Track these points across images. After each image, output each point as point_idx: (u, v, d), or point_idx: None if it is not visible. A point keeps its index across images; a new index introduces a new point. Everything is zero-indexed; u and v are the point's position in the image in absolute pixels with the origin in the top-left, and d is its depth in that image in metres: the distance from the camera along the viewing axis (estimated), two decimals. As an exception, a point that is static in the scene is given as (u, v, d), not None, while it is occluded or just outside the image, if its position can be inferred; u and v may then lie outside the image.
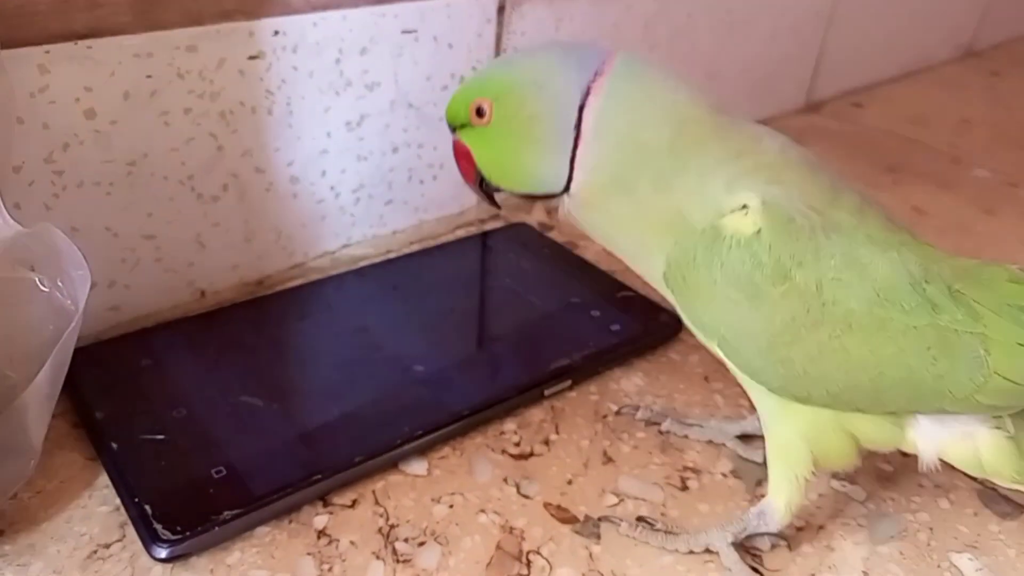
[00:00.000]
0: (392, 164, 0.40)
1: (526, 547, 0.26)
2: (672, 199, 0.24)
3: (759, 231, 0.23)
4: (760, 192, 0.23)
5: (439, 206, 0.44)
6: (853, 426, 0.25)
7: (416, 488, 0.28)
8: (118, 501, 0.26)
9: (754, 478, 0.30)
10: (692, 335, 0.36)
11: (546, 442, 0.31)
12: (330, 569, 0.25)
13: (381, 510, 0.27)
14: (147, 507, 0.25)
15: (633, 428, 0.32)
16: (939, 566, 0.27)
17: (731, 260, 0.23)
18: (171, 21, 0.31)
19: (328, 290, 0.37)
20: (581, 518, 0.27)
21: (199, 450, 0.27)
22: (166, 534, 0.24)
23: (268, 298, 0.36)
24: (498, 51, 0.42)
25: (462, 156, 0.28)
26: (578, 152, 0.25)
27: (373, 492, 0.28)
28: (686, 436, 0.31)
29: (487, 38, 0.41)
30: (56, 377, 0.24)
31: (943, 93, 0.76)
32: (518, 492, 0.28)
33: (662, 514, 0.28)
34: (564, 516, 0.27)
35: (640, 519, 0.27)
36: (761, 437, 0.27)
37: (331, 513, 0.27)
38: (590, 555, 0.26)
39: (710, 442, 0.31)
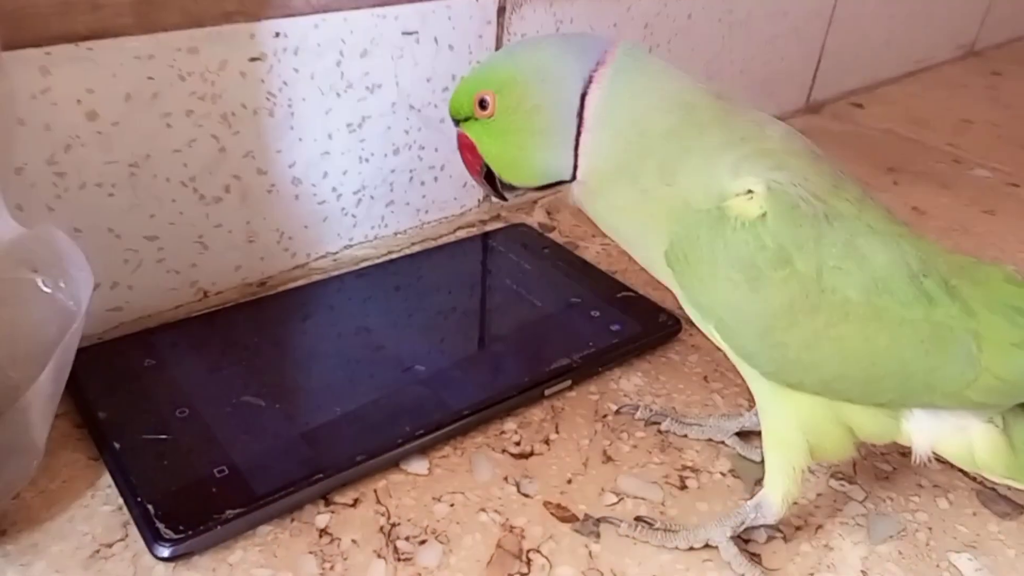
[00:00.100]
0: (393, 165, 0.41)
1: (526, 545, 0.26)
2: (676, 186, 0.24)
3: (764, 215, 0.23)
4: (765, 177, 0.23)
5: (440, 207, 0.44)
6: (848, 417, 0.25)
7: (417, 487, 0.28)
8: (121, 500, 0.26)
9: (753, 477, 0.30)
10: (691, 336, 0.37)
11: (546, 441, 0.31)
12: (332, 568, 0.25)
13: (382, 509, 0.27)
14: (150, 506, 0.25)
15: (633, 428, 0.32)
16: (938, 566, 0.27)
17: (734, 241, 0.23)
18: (172, 23, 0.31)
19: (330, 291, 0.37)
20: (581, 517, 0.28)
21: (201, 450, 0.27)
22: (168, 533, 0.24)
23: (270, 299, 0.36)
24: (498, 52, 0.42)
25: (466, 149, 0.28)
26: (581, 140, 0.25)
27: (374, 491, 0.28)
28: (685, 435, 0.31)
29: (487, 40, 0.41)
30: (59, 377, 0.24)
31: (944, 93, 0.76)
32: (518, 491, 0.28)
33: (661, 513, 0.28)
34: (564, 515, 0.28)
35: (639, 519, 0.27)
36: (760, 434, 0.27)
37: (333, 512, 0.27)
38: (590, 553, 0.26)
39: (709, 441, 0.31)
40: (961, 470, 0.31)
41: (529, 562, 0.26)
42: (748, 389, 0.27)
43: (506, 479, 0.29)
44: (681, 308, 0.27)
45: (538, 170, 0.27)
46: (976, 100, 0.75)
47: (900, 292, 0.23)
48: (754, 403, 0.28)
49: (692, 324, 0.36)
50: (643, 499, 0.29)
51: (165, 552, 0.24)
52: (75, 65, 0.29)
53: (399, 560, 0.25)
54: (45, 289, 0.26)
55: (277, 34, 0.34)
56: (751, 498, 0.27)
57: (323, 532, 0.26)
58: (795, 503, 0.28)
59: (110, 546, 0.25)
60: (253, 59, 0.33)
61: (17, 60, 0.27)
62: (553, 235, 0.45)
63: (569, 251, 0.42)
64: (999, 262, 0.25)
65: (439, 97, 0.41)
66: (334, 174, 0.38)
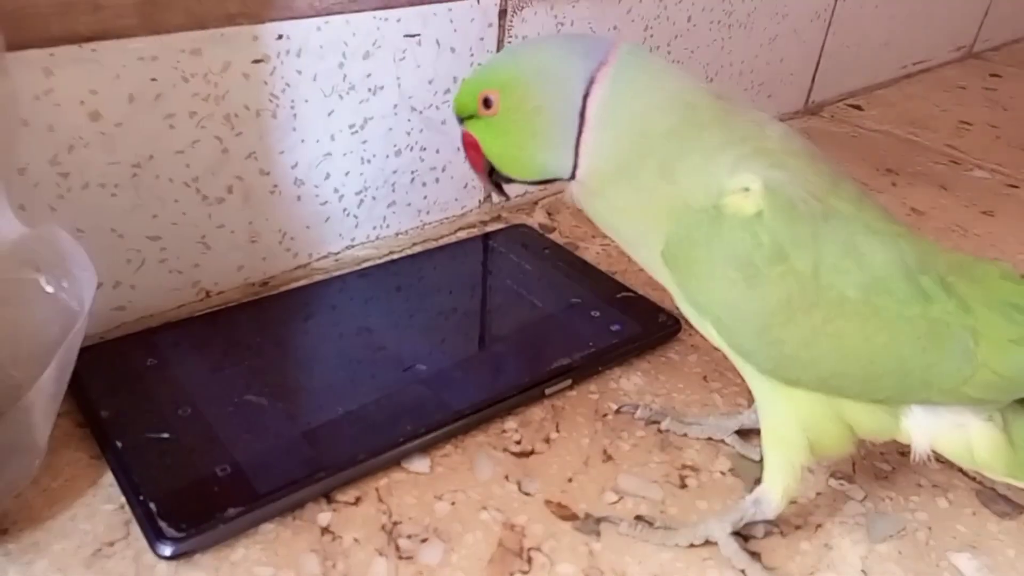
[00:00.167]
0: (395, 166, 0.41)
1: (527, 544, 0.26)
2: (676, 185, 0.24)
3: (760, 212, 0.23)
4: (762, 176, 0.23)
5: (441, 208, 0.44)
6: (847, 414, 0.25)
7: (419, 486, 0.28)
8: (123, 499, 0.26)
9: (752, 475, 0.30)
10: (691, 336, 0.37)
11: (547, 440, 0.31)
12: (334, 566, 0.25)
13: (384, 507, 0.27)
14: (152, 505, 0.25)
15: (633, 427, 0.32)
16: (938, 565, 0.27)
17: (731, 239, 0.23)
18: (175, 24, 0.31)
19: (332, 291, 0.37)
20: (581, 515, 0.28)
21: (204, 448, 0.28)
22: (171, 532, 0.24)
23: (272, 298, 0.36)
24: (499, 54, 0.42)
25: (471, 147, 0.28)
26: (582, 139, 0.25)
27: (376, 490, 0.28)
28: (685, 434, 0.32)
29: (489, 42, 0.42)
30: (61, 376, 0.24)
31: (942, 95, 0.76)
32: (519, 490, 0.28)
33: (661, 512, 0.28)
34: (565, 513, 0.28)
35: (639, 518, 0.27)
36: (759, 433, 0.27)
37: (335, 510, 0.27)
38: (590, 552, 0.26)
39: (709, 440, 0.31)
40: (960, 469, 0.31)
41: (530, 560, 0.26)
42: (747, 388, 0.27)
43: (507, 478, 0.29)
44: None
45: (539, 168, 0.27)
46: (975, 102, 0.75)
47: (897, 289, 0.23)
48: (753, 401, 0.28)
49: (691, 324, 0.37)
50: (643, 498, 0.29)
51: (167, 550, 0.24)
52: (78, 66, 0.29)
53: (401, 558, 0.26)
54: (48, 289, 0.27)
55: (280, 36, 0.34)
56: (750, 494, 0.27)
57: (325, 530, 0.26)
58: (794, 501, 0.29)
59: (112, 544, 0.25)
60: (256, 61, 0.33)
61: (20, 61, 0.28)
62: (553, 236, 0.45)
63: (569, 252, 0.43)
64: (997, 260, 0.25)
65: (440, 99, 0.41)
66: (336, 175, 0.39)
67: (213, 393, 0.30)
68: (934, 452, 0.26)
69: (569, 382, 0.33)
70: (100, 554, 0.25)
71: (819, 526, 0.28)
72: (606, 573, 0.26)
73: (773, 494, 0.26)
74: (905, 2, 0.73)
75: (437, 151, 0.42)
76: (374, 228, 0.42)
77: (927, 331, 0.23)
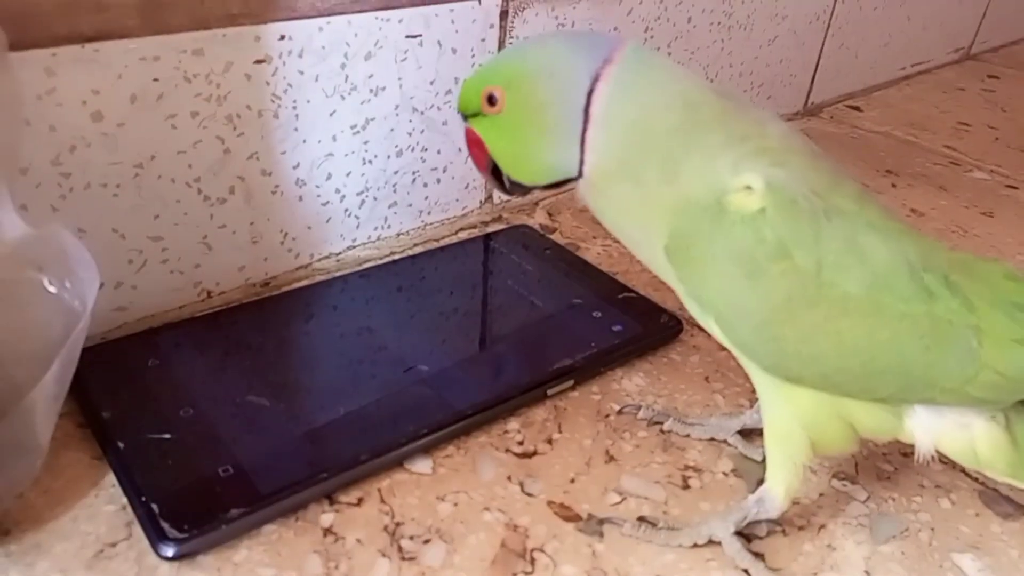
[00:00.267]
0: (396, 167, 0.41)
1: (530, 545, 0.26)
2: (678, 184, 0.24)
3: (763, 209, 0.23)
4: (764, 174, 0.23)
5: (442, 208, 0.44)
6: (849, 413, 0.25)
7: (421, 486, 0.28)
8: (124, 500, 0.26)
9: (755, 476, 0.30)
10: (693, 336, 0.37)
11: (549, 441, 0.31)
12: (336, 567, 0.25)
13: (387, 508, 0.27)
14: (154, 506, 0.25)
15: (635, 427, 0.32)
16: (941, 566, 0.27)
17: (733, 235, 0.23)
18: (178, 25, 0.31)
19: (333, 291, 0.37)
20: (584, 516, 0.28)
21: (206, 449, 0.27)
22: (173, 533, 0.24)
23: (274, 299, 0.36)
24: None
25: (474, 144, 0.28)
26: (587, 137, 0.25)
27: (379, 490, 0.28)
28: (687, 435, 0.31)
29: (490, 43, 0.42)
30: (63, 377, 0.24)
31: (941, 96, 0.76)
32: (522, 490, 0.28)
33: (664, 512, 0.28)
34: (567, 514, 0.28)
35: (641, 519, 0.27)
36: (762, 433, 0.27)
37: (337, 511, 0.27)
38: (593, 553, 0.26)
39: (712, 440, 0.31)
40: (963, 470, 0.31)
41: (533, 561, 0.26)
42: (749, 389, 0.28)
43: (510, 479, 0.29)
44: (682, 309, 0.27)
45: (543, 167, 0.27)
46: (973, 103, 0.75)
47: (900, 287, 0.23)
48: (755, 401, 0.28)
49: (693, 325, 0.37)
50: (646, 499, 0.29)
51: (169, 551, 0.24)
52: (81, 66, 0.29)
53: (403, 559, 0.25)
54: (50, 289, 0.27)
55: (282, 36, 0.34)
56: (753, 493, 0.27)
57: (327, 531, 0.26)
58: (797, 502, 0.29)
59: (114, 545, 0.25)
60: (258, 61, 0.33)
61: (23, 61, 0.28)
62: (554, 236, 0.45)
63: (570, 252, 0.43)
64: (999, 260, 0.25)
65: (442, 100, 0.41)
66: (338, 175, 0.39)
67: (215, 393, 0.30)
68: (938, 452, 0.26)
69: (571, 383, 0.33)
70: (102, 555, 0.25)
71: (822, 527, 0.28)
72: (609, 574, 0.26)
73: (776, 493, 0.26)
74: (904, 4, 0.73)
75: (438, 152, 0.42)
76: (375, 228, 0.42)
77: (930, 329, 0.23)
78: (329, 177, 0.38)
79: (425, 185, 0.43)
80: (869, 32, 0.70)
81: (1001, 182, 0.58)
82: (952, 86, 0.80)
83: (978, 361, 0.23)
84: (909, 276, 0.23)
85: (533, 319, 0.37)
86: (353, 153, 0.39)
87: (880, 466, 0.31)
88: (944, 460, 0.27)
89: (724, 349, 0.26)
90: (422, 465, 0.29)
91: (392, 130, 0.40)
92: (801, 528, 0.28)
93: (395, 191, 0.41)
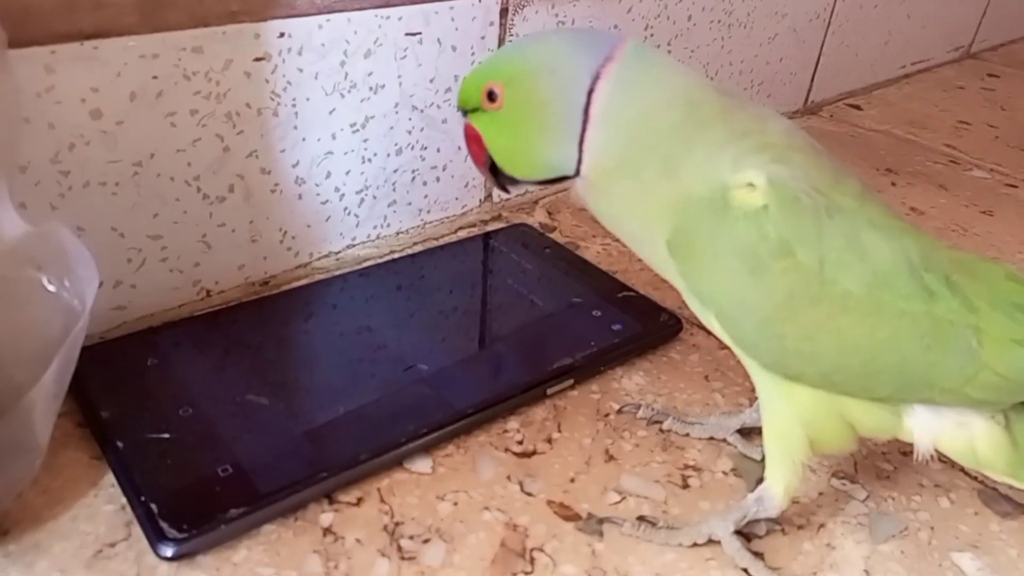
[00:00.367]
0: (396, 165, 0.41)
1: (530, 544, 0.26)
2: (678, 181, 0.24)
3: (765, 206, 0.23)
4: (766, 171, 0.23)
5: (442, 207, 0.44)
6: (849, 412, 0.25)
7: (421, 486, 0.28)
8: (124, 500, 0.26)
9: (755, 475, 0.30)
10: (692, 335, 0.37)
11: (549, 440, 0.31)
12: (336, 566, 0.25)
13: (386, 508, 0.27)
14: (153, 506, 0.25)
15: (635, 427, 0.32)
16: (940, 565, 0.27)
17: (736, 231, 0.23)
18: (177, 22, 0.31)
19: (333, 290, 0.37)
20: (584, 516, 0.28)
21: (205, 449, 0.27)
22: (172, 532, 0.24)
23: (273, 298, 0.36)
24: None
25: (473, 140, 0.28)
26: (586, 136, 0.25)
27: (378, 490, 0.28)
28: (687, 434, 0.31)
29: (490, 40, 0.41)
30: (62, 376, 0.24)
31: (941, 95, 0.76)
32: (521, 490, 0.28)
33: (664, 512, 0.28)
34: (567, 514, 0.28)
35: (641, 518, 0.27)
36: (761, 432, 0.27)
37: (337, 511, 0.27)
38: (593, 552, 0.26)
39: (711, 439, 0.31)
40: (962, 469, 0.31)
41: (533, 561, 0.26)
42: (749, 388, 0.28)
43: (509, 478, 0.29)
44: (682, 307, 0.27)
45: (542, 164, 0.27)
46: (973, 102, 0.75)
47: (901, 285, 0.23)
48: (754, 400, 0.28)
49: (693, 323, 0.37)
50: (646, 498, 0.29)
51: (169, 551, 0.24)
52: (80, 64, 0.29)
53: (403, 559, 0.25)
54: (49, 287, 0.26)
55: (282, 34, 0.34)
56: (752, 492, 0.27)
57: (327, 531, 0.26)
58: (796, 501, 0.29)
59: (113, 545, 0.25)
60: (258, 59, 0.33)
61: (22, 58, 0.27)
62: (554, 235, 0.45)
63: (570, 251, 0.43)
64: (999, 260, 0.25)
65: (441, 97, 0.41)
66: (337, 174, 0.38)
67: (214, 393, 0.30)
68: (937, 451, 0.26)
69: (571, 382, 0.33)
70: (101, 555, 0.25)
71: (822, 526, 0.28)
72: (609, 573, 0.26)
73: (775, 491, 0.26)
74: (904, 2, 0.73)
75: (438, 150, 0.42)
76: (375, 227, 0.42)
77: (930, 328, 0.23)
78: (328, 175, 0.38)
79: (424, 183, 0.43)
80: (869, 30, 0.70)
81: (1001, 181, 0.58)
82: (952, 85, 0.80)
83: (978, 361, 0.23)
84: (910, 275, 0.23)
85: (533, 318, 0.37)
86: (352, 151, 0.39)
87: (879, 465, 0.31)
88: (943, 459, 0.27)
89: (724, 348, 0.26)
90: (422, 464, 0.29)
91: (392, 128, 0.39)
92: (800, 527, 0.28)
93: (394, 189, 0.41)
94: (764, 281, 0.23)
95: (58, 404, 0.25)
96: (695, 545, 0.27)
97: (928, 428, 0.25)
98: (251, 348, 0.33)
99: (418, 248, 0.42)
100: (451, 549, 0.26)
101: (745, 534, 0.27)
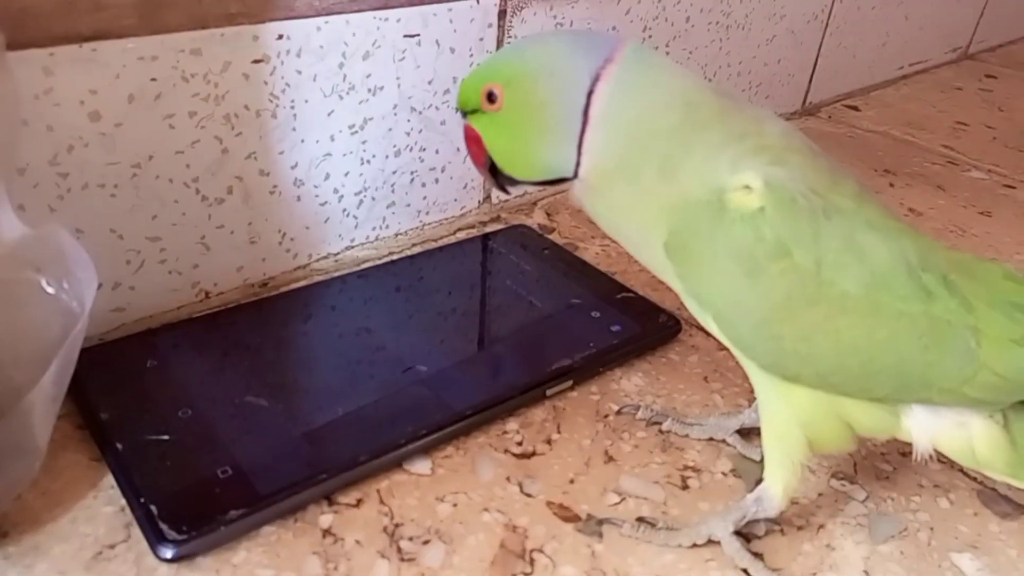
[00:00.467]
0: (394, 167, 0.41)
1: (529, 545, 0.26)
2: (676, 184, 0.24)
3: (762, 208, 0.23)
4: (763, 172, 0.23)
5: (441, 208, 0.44)
6: (847, 412, 0.25)
7: (420, 487, 0.28)
8: (123, 501, 0.26)
9: (754, 476, 0.30)
10: (691, 336, 0.37)
11: (548, 441, 0.31)
12: (335, 568, 0.25)
13: (386, 509, 0.27)
14: (152, 507, 0.25)
15: (634, 428, 0.32)
16: (940, 566, 0.27)
17: (733, 233, 0.23)
18: (176, 24, 0.31)
19: (331, 291, 0.37)
20: (583, 517, 0.28)
21: (204, 450, 0.27)
22: (172, 534, 0.24)
23: (272, 299, 0.36)
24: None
25: (472, 141, 0.28)
26: (585, 137, 0.25)
27: (378, 491, 0.28)
28: (686, 435, 0.32)
29: (488, 42, 0.42)
30: (61, 378, 0.24)
31: (938, 96, 0.76)
32: (521, 491, 0.28)
33: (663, 512, 0.28)
34: (567, 515, 0.28)
35: (640, 519, 0.27)
36: (760, 433, 0.27)
37: (336, 512, 0.27)
38: (592, 553, 0.26)
39: (710, 440, 0.31)
40: (961, 469, 0.31)
41: (532, 562, 0.26)
42: (748, 389, 0.28)
43: (508, 479, 0.29)
44: (681, 308, 0.27)
45: (541, 165, 0.27)
46: (971, 103, 0.75)
47: (899, 286, 0.23)
48: (753, 401, 0.28)
49: (692, 324, 0.37)
50: (645, 499, 0.29)
51: (168, 553, 0.24)
52: (78, 66, 0.29)
53: (403, 560, 0.25)
54: (48, 289, 0.26)
55: (280, 36, 0.34)
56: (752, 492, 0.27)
57: (327, 532, 0.26)
58: (795, 501, 0.29)
59: (113, 547, 0.25)
60: (256, 61, 0.33)
61: (21, 60, 0.27)
62: (553, 236, 0.45)
63: (569, 252, 0.43)
64: (998, 260, 0.25)
65: (440, 99, 0.41)
66: (336, 175, 0.38)
67: (213, 394, 0.30)
68: (936, 451, 0.26)
69: (570, 383, 0.33)
70: (101, 557, 0.25)
71: (821, 526, 0.28)
72: (608, 574, 0.26)
73: (774, 492, 0.26)
74: (902, 4, 0.73)
75: (436, 151, 0.42)
76: (373, 229, 0.42)
77: (928, 329, 0.23)
78: (327, 177, 0.38)
79: (423, 185, 0.43)
80: (867, 32, 0.71)
81: (999, 181, 0.58)
82: (950, 86, 0.80)
83: (976, 361, 0.23)
84: (908, 275, 0.23)
85: (532, 319, 0.37)
86: (351, 153, 0.39)
87: (879, 466, 0.31)
88: (942, 459, 0.27)
89: (723, 349, 0.26)
90: (421, 466, 0.29)
91: (390, 130, 0.40)
92: (800, 528, 0.28)
93: (393, 191, 0.41)
94: (761, 283, 0.23)
95: (57, 406, 0.25)
96: (695, 546, 0.27)
97: (927, 428, 0.25)
98: (250, 350, 0.33)
99: (417, 249, 0.42)
100: (451, 550, 0.26)
101: (745, 535, 0.27)
